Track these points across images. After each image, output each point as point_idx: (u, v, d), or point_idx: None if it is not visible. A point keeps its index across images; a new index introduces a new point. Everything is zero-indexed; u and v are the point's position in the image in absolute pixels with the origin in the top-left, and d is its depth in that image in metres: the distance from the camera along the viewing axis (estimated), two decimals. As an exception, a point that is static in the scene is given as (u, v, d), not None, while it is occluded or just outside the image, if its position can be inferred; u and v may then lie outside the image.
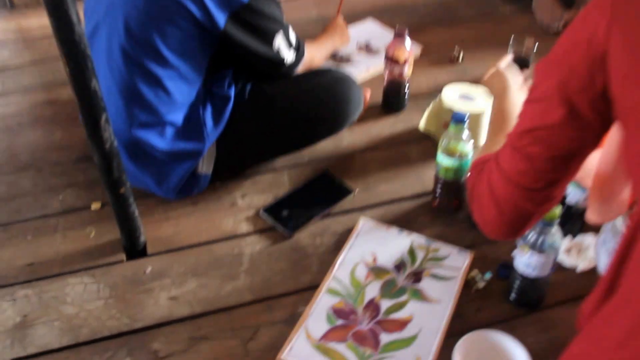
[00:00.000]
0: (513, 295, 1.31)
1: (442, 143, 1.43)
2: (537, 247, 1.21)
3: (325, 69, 1.63)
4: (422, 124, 1.75)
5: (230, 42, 1.42)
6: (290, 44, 1.52)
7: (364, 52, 2.02)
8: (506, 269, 1.37)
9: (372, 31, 2.14)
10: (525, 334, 1.24)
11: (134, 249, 1.40)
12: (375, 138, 1.74)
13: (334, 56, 1.99)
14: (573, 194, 1.37)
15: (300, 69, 1.59)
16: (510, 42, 1.86)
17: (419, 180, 1.61)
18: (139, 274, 1.37)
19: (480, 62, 2.01)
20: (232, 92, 1.49)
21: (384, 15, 2.26)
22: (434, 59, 2.04)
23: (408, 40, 1.70)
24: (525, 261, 1.24)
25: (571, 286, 1.33)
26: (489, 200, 0.95)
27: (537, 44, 1.84)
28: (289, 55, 1.52)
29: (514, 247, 1.40)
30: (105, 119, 1.20)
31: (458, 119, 1.39)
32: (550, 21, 2.17)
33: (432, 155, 1.65)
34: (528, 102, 0.89)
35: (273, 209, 1.51)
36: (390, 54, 1.70)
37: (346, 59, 1.98)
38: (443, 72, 2.00)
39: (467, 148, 1.42)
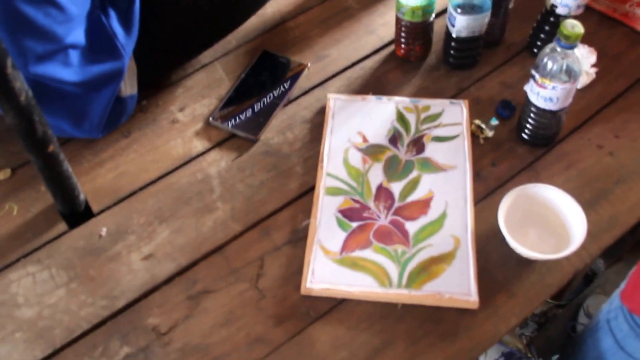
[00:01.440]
0: (528, 135, 1.14)
1: (400, -19, 1.18)
2: (560, 77, 1.02)
3: None
4: None
5: None
6: None
7: None
8: (507, 108, 1.19)
9: None
10: (552, 174, 1.11)
11: (75, 213, 1.10)
12: (302, -3, 1.46)
13: None
14: (564, 2, 1.18)
15: None
16: None
17: (371, 33, 1.36)
18: (94, 240, 1.08)
19: None
20: None
21: None
22: None
23: None
24: (547, 95, 1.05)
25: (576, 107, 1.18)
26: None
27: None
28: None
29: (506, 82, 1.24)
30: (12, 65, 0.86)
31: (415, -54, 1.14)
32: None
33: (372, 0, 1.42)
34: None
35: (223, 113, 1.22)
36: None
37: None
38: None
39: (431, -21, 1.19)
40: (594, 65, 1.24)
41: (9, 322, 1.00)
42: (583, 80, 1.22)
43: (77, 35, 1.08)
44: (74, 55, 1.08)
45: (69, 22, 1.06)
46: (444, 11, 1.32)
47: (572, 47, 1.00)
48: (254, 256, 1.04)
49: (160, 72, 1.29)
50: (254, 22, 1.37)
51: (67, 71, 1.08)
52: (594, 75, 1.23)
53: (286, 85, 1.26)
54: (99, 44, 1.10)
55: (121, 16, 1.13)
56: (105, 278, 1.03)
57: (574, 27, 0.98)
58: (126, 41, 1.13)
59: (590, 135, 1.16)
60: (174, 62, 1.30)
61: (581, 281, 1.71)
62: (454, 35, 1.21)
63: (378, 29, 1.36)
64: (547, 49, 1.03)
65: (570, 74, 1.02)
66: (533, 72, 1.05)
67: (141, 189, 1.14)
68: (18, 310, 1.01)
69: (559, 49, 1.01)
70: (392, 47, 1.32)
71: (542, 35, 1.25)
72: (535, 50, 1.27)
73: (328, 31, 1.38)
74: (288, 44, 1.35)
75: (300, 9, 1.43)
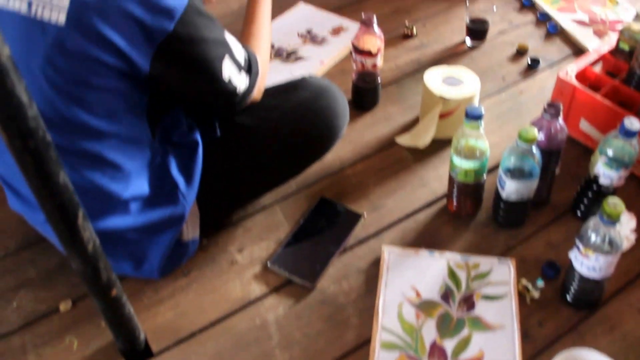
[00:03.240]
0: (572, 298, 1.18)
1: (457, 144, 1.25)
2: (604, 249, 1.08)
3: (299, 78, 1.36)
4: (414, 140, 1.51)
5: (164, 85, 1.09)
6: (239, 66, 1.16)
7: (309, 43, 1.78)
8: (552, 268, 1.24)
9: (308, 17, 1.89)
10: (596, 337, 1.14)
11: (136, 352, 1.12)
12: (360, 145, 1.53)
13: (280, 55, 1.74)
14: (607, 174, 1.25)
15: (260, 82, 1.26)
16: (467, 6, 1.73)
17: (424, 185, 1.43)
18: (153, 381, 1.11)
19: (435, 31, 1.85)
20: (198, 136, 1.21)
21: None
22: (385, 38, 1.67)
23: (377, 28, 1.49)
24: (590, 264, 1.10)
25: (617, 271, 1.22)
26: None
27: (494, 6, 1.72)
28: (241, 82, 1.17)
29: (551, 242, 1.29)
30: (83, 216, 0.92)
31: (474, 115, 1.21)
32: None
33: (428, 152, 1.49)
34: None
35: (281, 258, 1.27)
36: (360, 46, 1.49)
37: (293, 56, 1.73)
38: (401, 52, 1.80)
39: (486, 144, 1.26)
40: (633, 231, 1.30)
41: None
42: (624, 245, 1.28)
43: (135, 187, 1.13)
44: (134, 205, 1.14)
45: (126, 178, 1.12)
46: (495, 167, 1.39)
47: (614, 224, 1.06)
48: (312, 408, 1.06)
49: (222, 215, 1.35)
50: (314, 168, 1.42)
51: (127, 219, 1.13)
52: (633, 241, 1.29)
53: (343, 233, 1.31)
54: (159, 191, 1.16)
55: (182, 165, 1.19)
56: (164, 422, 1.05)
57: (615, 206, 1.04)
58: (187, 190, 1.18)
59: (631, 298, 1.20)
60: (236, 205, 1.36)
61: None
62: (503, 197, 1.28)
63: (431, 182, 1.43)
64: (591, 222, 1.09)
65: (612, 245, 1.08)
66: (577, 242, 1.11)
67: (200, 330, 1.17)
68: None
69: (601, 224, 1.07)
70: (444, 200, 1.38)
71: (585, 201, 1.32)
72: (579, 213, 1.33)
73: (384, 181, 1.44)
74: (346, 192, 1.42)
75: (359, 156, 1.50)
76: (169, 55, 1.03)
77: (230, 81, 1.14)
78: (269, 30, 1.34)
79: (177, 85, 1.10)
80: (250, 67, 1.19)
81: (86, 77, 0.99)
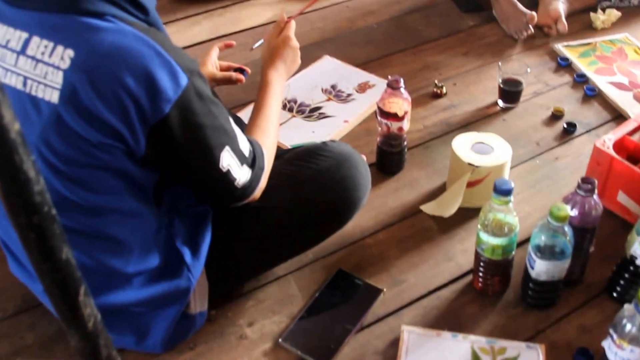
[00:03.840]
0: (605, 389, 1.10)
1: (484, 219, 1.17)
2: (639, 338, 1.00)
3: (320, 143, 1.30)
4: (439, 210, 1.44)
5: (163, 168, 1.05)
6: (242, 158, 1.08)
7: (333, 99, 1.72)
8: (585, 356, 1.16)
9: (333, 71, 1.83)
10: None
11: None
12: (382, 212, 1.45)
13: (302, 111, 1.68)
14: (644, 254, 1.17)
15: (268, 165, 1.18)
16: (499, 66, 1.67)
17: (449, 260, 1.34)
18: None
19: (466, 91, 1.78)
20: (207, 205, 1.15)
21: (336, 46, 1.96)
22: (413, 97, 1.61)
23: (404, 90, 1.42)
24: (625, 356, 1.02)
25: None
26: None
27: (528, 68, 1.66)
28: (242, 175, 1.08)
29: (584, 326, 1.20)
30: (85, 292, 0.86)
31: (503, 190, 1.14)
32: (516, 29, 1.96)
33: (454, 222, 1.41)
34: None
35: (294, 334, 1.20)
36: (386, 109, 1.42)
37: (316, 113, 1.68)
38: (430, 112, 1.72)
39: (515, 219, 1.18)
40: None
41: None
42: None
43: (139, 260, 1.07)
44: (137, 278, 1.08)
45: (128, 252, 1.06)
46: (527, 239, 1.27)
47: (651, 314, 0.98)
48: None
49: (233, 286, 1.28)
50: (332, 236, 1.33)
51: (129, 294, 1.08)
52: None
53: (360, 310, 1.24)
54: (164, 263, 1.10)
55: (189, 236, 1.13)
56: None
57: None
58: (193, 262, 1.12)
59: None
60: (248, 276, 1.29)
61: None
62: (532, 277, 1.19)
63: (457, 256, 1.35)
64: (626, 311, 1.02)
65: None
66: (611, 331, 1.03)
67: (203, 412, 1.10)
68: None
69: (637, 313, 0.99)
70: (470, 276, 1.30)
71: (621, 282, 1.23)
72: (615, 294, 1.24)
73: (406, 253, 1.36)
74: (365, 263, 1.34)
75: (380, 225, 1.43)
76: (163, 139, 0.96)
77: (229, 172, 1.05)
78: (277, 124, 1.26)
79: (174, 170, 1.04)
80: (254, 162, 1.11)
81: (81, 157, 0.93)
